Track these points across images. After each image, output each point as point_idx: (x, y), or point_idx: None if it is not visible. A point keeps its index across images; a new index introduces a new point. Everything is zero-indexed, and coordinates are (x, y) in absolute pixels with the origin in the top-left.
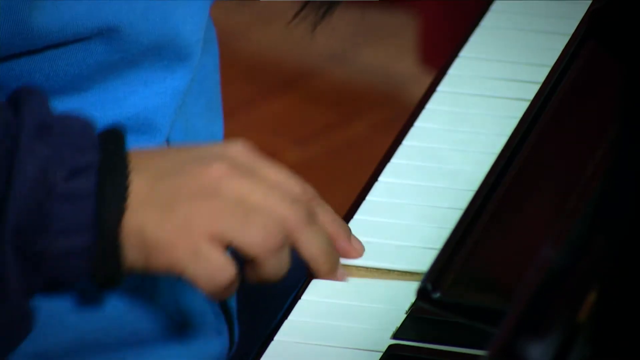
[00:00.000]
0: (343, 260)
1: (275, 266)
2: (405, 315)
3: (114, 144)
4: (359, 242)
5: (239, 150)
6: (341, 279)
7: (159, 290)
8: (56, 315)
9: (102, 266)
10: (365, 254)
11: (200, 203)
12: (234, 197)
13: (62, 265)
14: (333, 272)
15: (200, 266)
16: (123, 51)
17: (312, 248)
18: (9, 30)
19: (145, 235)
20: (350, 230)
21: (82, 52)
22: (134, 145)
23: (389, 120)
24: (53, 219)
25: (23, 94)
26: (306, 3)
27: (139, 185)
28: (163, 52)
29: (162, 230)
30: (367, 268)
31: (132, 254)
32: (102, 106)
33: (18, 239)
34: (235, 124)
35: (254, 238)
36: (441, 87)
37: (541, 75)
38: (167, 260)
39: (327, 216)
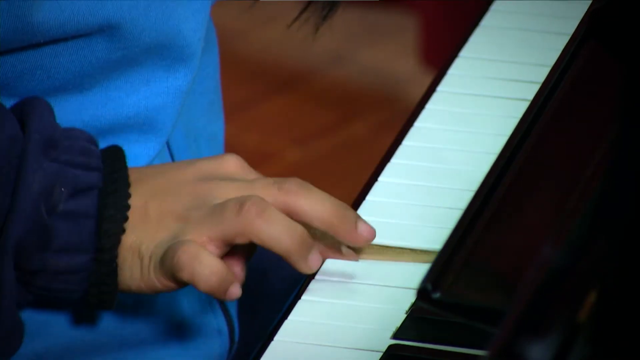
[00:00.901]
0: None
1: (270, 230)
2: (405, 315)
3: (115, 163)
4: (366, 225)
5: (232, 164)
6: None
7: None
8: (56, 316)
9: (96, 287)
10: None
11: (187, 217)
12: (215, 201)
13: (57, 284)
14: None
15: (197, 269)
16: (125, 49)
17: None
18: (10, 26)
19: (141, 253)
20: (354, 213)
21: (83, 49)
22: (136, 144)
23: (389, 120)
24: (53, 236)
25: (29, 106)
26: (307, 5)
27: (136, 205)
28: (165, 52)
29: (155, 245)
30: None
31: (129, 273)
32: (103, 105)
33: (18, 253)
34: (235, 124)
35: (233, 223)
36: (441, 87)
37: (541, 75)
38: (161, 272)
39: (321, 206)
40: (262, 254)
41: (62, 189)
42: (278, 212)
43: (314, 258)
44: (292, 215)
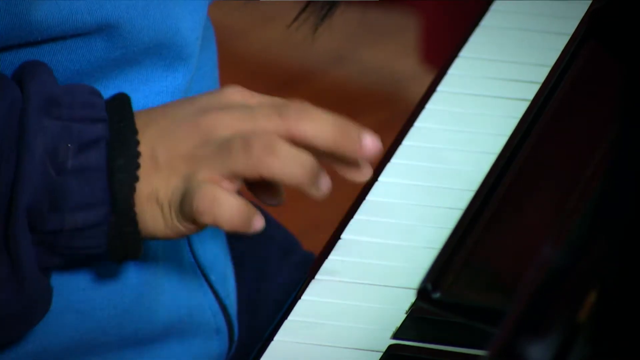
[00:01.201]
0: (343, 258)
1: (282, 164)
2: (405, 315)
3: (122, 111)
4: (372, 138)
5: (232, 92)
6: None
7: (158, 290)
8: (55, 315)
9: (118, 239)
10: (365, 254)
11: (195, 158)
12: (220, 137)
13: (78, 241)
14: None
15: (218, 212)
16: (123, 47)
17: (320, 136)
18: (8, 24)
19: (160, 200)
20: (357, 127)
21: (82, 48)
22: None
23: (389, 120)
24: (65, 194)
25: (28, 68)
26: (307, 5)
27: (144, 152)
28: (163, 51)
29: (170, 191)
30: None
31: (150, 222)
32: None
33: (32, 217)
34: None
35: (244, 161)
36: (441, 87)
37: (541, 75)
38: (184, 212)
39: (323, 124)
40: (261, 254)
41: (69, 145)
42: (284, 144)
43: (324, 182)
44: (296, 140)
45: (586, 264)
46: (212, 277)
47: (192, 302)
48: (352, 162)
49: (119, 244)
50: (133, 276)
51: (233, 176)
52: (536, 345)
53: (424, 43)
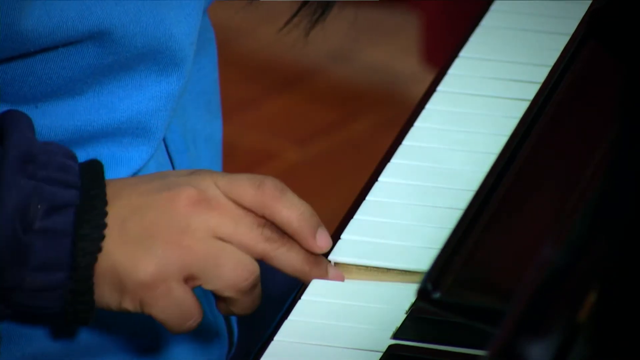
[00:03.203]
0: (342, 259)
1: (248, 303)
2: (405, 315)
3: (94, 180)
4: (325, 236)
5: (202, 177)
6: (335, 279)
7: None
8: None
9: (72, 305)
10: (365, 254)
11: (171, 243)
12: (204, 233)
13: (34, 300)
14: (323, 277)
15: (173, 311)
16: (116, 54)
17: (290, 265)
18: (0, 34)
19: (120, 276)
20: (318, 222)
21: (74, 55)
22: (129, 148)
23: (389, 120)
24: (29, 253)
25: (9, 119)
26: (299, 8)
27: (113, 224)
28: (157, 56)
29: (136, 271)
30: (367, 267)
31: (107, 293)
32: (96, 110)
33: None
34: (235, 124)
35: (227, 280)
36: (441, 87)
37: (541, 75)
38: (139, 301)
39: (292, 212)
40: None
41: (39, 206)
42: (255, 280)
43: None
44: (267, 217)
45: (586, 264)
46: None
47: None
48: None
49: (71, 309)
50: None
51: (197, 284)
52: (536, 345)
53: (424, 43)
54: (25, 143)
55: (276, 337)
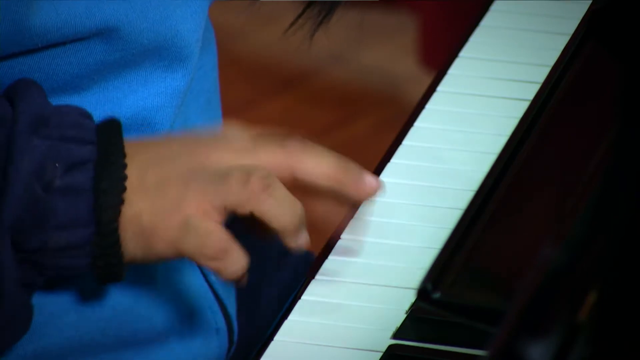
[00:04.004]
0: (342, 259)
1: (273, 206)
2: (405, 315)
3: (111, 135)
4: (372, 178)
5: (231, 128)
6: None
7: (158, 290)
8: (55, 315)
9: (101, 260)
10: (365, 254)
11: (187, 182)
12: (217, 167)
13: (62, 261)
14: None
15: (191, 238)
16: (122, 50)
17: (321, 171)
18: (7, 30)
19: (142, 224)
20: (357, 168)
21: (81, 52)
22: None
23: (389, 120)
24: (51, 213)
25: (19, 87)
26: (304, 10)
27: (132, 176)
28: (163, 52)
29: (155, 215)
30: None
31: (131, 244)
32: (101, 106)
33: (16, 234)
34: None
35: (238, 194)
36: (441, 87)
37: (541, 75)
38: (164, 243)
39: (324, 162)
40: (261, 254)
41: (56, 165)
42: (282, 187)
43: (303, 238)
44: (298, 177)
45: (586, 264)
46: (212, 277)
47: (191, 302)
48: (353, 200)
49: (102, 265)
50: (132, 276)
51: (223, 208)
52: (536, 345)
53: (423, 43)
54: (36, 106)
55: (276, 337)
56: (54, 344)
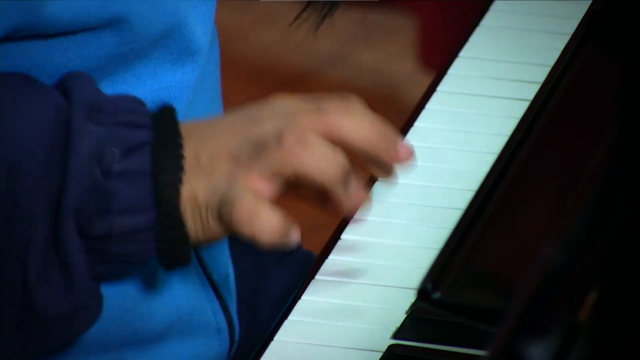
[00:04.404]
0: (343, 259)
1: (312, 158)
2: (405, 315)
3: (165, 118)
4: (406, 146)
5: (279, 99)
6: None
7: (159, 290)
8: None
9: (167, 243)
10: (365, 254)
11: (234, 157)
12: (258, 136)
13: (128, 246)
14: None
15: (225, 208)
16: (133, 42)
17: (357, 128)
18: (21, 19)
19: (198, 202)
20: (393, 132)
21: (92, 44)
22: None
23: (389, 120)
24: (113, 197)
25: (71, 78)
26: (308, 4)
27: (189, 155)
28: (172, 45)
29: (209, 192)
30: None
31: (191, 223)
32: None
33: (79, 221)
34: None
35: (276, 157)
36: (441, 87)
37: (541, 75)
38: (228, 220)
39: (362, 127)
40: (261, 254)
41: (114, 150)
42: (317, 137)
43: (354, 186)
44: (334, 138)
45: (586, 264)
46: (214, 277)
47: (193, 301)
48: (383, 164)
49: (168, 248)
50: (134, 276)
51: (271, 175)
52: (536, 345)
53: (423, 43)
54: (90, 94)
55: (276, 337)
56: None
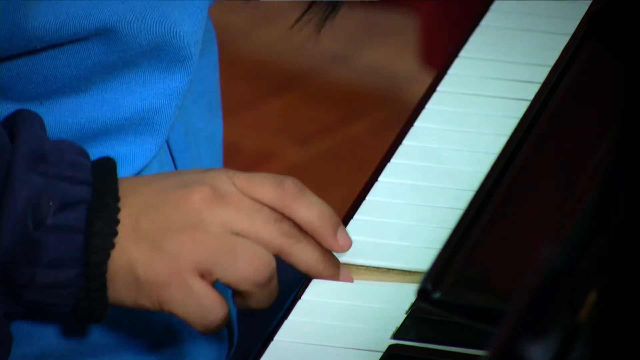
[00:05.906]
0: (343, 259)
1: (264, 297)
2: (405, 315)
3: (106, 177)
4: (346, 236)
5: (218, 174)
6: (345, 279)
7: None
8: (56, 318)
9: (85, 302)
10: (365, 254)
11: (185, 238)
12: (219, 228)
13: (46, 298)
14: (334, 277)
15: (192, 307)
16: (121, 51)
17: (305, 262)
18: (6, 32)
19: (136, 273)
20: (338, 221)
21: (80, 53)
22: (132, 146)
23: (389, 120)
24: (41, 250)
25: (19, 119)
26: (310, 5)
27: (126, 221)
28: (162, 53)
29: (151, 268)
30: (367, 267)
31: (122, 290)
32: (100, 106)
33: (6, 267)
34: (235, 124)
35: (242, 273)
36: (441, 87)
37: (541, 75)
38: (157, 299)
39: (313, 211)
40: None
41: (50, 203)
42: (269, 268)
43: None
44: (287, 215)
45: (586, 264)
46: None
47: None
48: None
49: (85, 306)
50: None
51: (214, 278)
52: (536, 345)
53: (424, 43)
54: (36, 141)
55: (276, 337)
56: (54, 345)
